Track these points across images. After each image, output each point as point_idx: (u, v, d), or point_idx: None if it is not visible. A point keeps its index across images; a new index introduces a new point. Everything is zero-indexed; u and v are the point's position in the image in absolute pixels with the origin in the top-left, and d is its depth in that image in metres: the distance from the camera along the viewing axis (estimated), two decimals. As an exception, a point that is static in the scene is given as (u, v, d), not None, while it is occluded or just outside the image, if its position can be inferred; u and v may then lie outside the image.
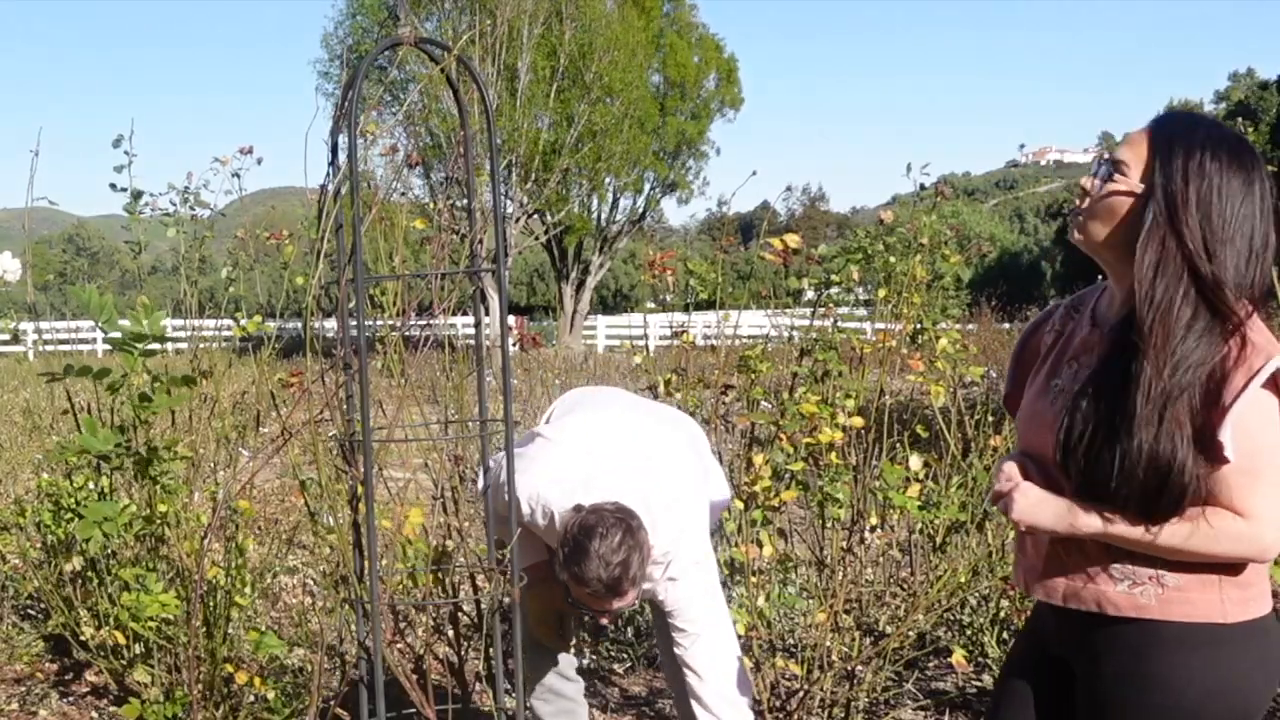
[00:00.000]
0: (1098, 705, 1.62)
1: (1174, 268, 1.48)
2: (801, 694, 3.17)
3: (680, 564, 2.52)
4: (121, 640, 3.18)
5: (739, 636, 2.71)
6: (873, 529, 3.50)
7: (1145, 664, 1.56)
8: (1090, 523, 1.54)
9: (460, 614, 3.51)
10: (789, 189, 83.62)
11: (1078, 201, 1.61)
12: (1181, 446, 1.46)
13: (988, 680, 3.68)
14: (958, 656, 3.26)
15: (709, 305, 3.92)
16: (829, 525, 3.49)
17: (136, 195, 3.41)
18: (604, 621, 2.61)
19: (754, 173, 3.56)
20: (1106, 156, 1.59)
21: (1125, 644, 1.58)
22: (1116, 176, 1.55)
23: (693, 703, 2.54)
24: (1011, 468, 1.63)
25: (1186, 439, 1.46)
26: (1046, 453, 1.61)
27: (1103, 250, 1.60)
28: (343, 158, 2.15)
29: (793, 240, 3.43)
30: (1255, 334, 1.50)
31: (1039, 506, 1.57)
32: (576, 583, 2.38)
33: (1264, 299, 1.53)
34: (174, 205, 3.66)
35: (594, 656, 3.91)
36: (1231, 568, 1.54)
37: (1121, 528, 1.52)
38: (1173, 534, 1.50)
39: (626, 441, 2.65)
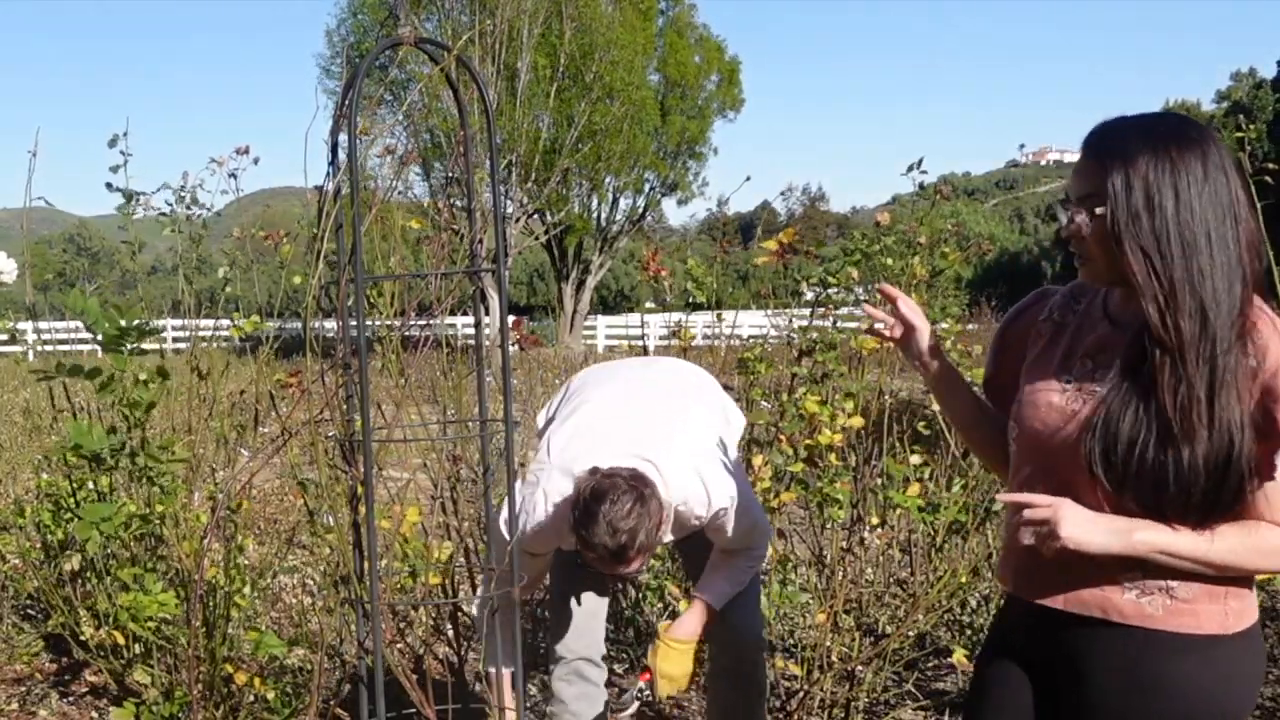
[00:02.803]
0: (1090, 710, 1.61)
1: (1165, 281, 1.46)
2: (801, 694, 3.17)
3: (724, 509, 2.55)
4: (121, 640, 3.18)
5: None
6: (873, 529, 3.50)
7: (1144, 671, 1.56)
8: (1150, 540, 1.50)
9: (460, 614, 3.51)
10: (789, 189, 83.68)
11: (1071, 246, 1.60)
12: (1238, 437, 1.44)
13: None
14: (958, 656, 3.25)
15: (709, 306, 3.92)
16: (829, 525, 3.49)
17: (129, 196, 3.41)
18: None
19: (748, 178, 3.60)
20: (1065, 197, 1.57)
21: (1123, 651, 1.57)
22: (1083, 213, 1.54)
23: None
24: (1035, 496, 1.56)
25: (1240, 430, 1.44)
26: (1053, 444, 1.59)
27: (1115, 281, 1.57)
28: (343, 157, 2.15)
29: (787, 235, 3.43)
30: None
31: (1091, 526, 1.52)
32: (585, 546, 2.38)
33: (1261, 281, 1.50)
34: (170, 205, 3.66)
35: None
36: (1241, 580, 1.55)
37: (1182, 543, 1.50)
38: (1228, 549, 1.50)
39: (638, 408, 2.65)
